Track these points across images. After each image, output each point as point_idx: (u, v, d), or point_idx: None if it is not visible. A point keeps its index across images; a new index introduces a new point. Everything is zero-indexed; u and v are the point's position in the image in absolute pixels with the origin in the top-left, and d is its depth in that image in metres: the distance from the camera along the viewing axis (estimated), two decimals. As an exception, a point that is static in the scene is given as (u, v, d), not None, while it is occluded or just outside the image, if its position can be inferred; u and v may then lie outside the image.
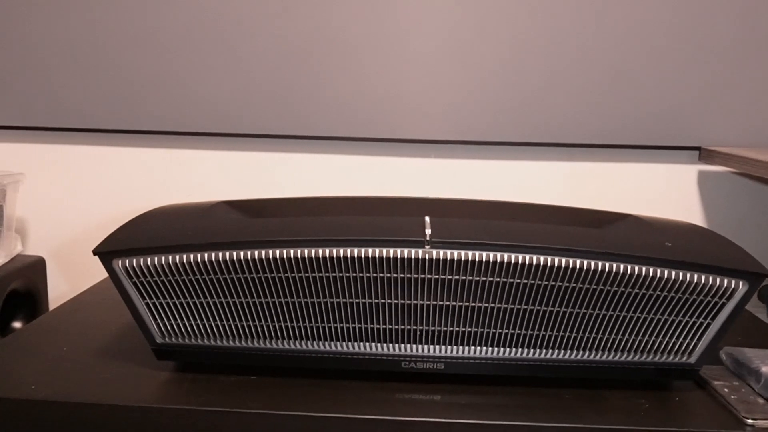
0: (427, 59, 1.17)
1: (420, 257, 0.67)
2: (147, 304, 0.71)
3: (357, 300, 0.69)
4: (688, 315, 0.68)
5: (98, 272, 1.16)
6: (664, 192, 1.23)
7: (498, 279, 0.68)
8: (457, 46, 1.16)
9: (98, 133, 1.25)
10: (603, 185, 1.23)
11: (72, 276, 1.30)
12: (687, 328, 0.69)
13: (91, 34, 1.19)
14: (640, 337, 0.70)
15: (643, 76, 1.16)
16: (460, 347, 0.71)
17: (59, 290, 1.30)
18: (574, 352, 0.71)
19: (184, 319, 0.72)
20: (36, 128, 1.24)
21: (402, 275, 0.68)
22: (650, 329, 0.69)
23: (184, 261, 0.68)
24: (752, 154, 1.07)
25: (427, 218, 0.71)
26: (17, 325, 1.19)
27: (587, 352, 0.71)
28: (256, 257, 0.68)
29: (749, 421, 0.65)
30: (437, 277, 0.68)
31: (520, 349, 0.71)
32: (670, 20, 1.14)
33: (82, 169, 1.27)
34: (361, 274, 0.68)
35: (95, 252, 0.70)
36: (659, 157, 1.22)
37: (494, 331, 0.70)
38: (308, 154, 1.24)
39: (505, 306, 0.69)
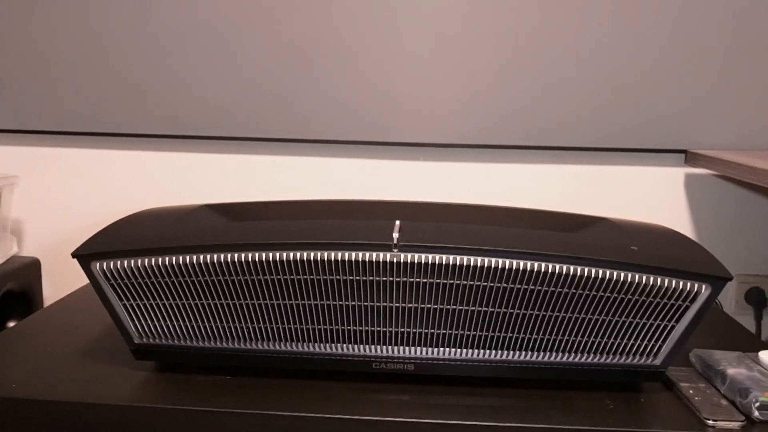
0: (421, 63, 1.18)
1: (388, 260, 0.68)
2: (125, 306, 0.73)
3: (328, 302, 0.71)
4: (653, 318, 0.70)
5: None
6: (652, 194, 1.24)
7: (466, 282, 0.69)
8: (451, 51, 1.17)
9: (94, 136, 1.27)
10: (592, 187, 1.24)
11: (66, 277, 1.33)
12: (651, 331, 0.70)
13: (86, 37, 1.21)
14: (605, 339, 0.71)
15: (633, 81, 1.17)
16: (431, 348, 0.73)
17: (54, 291, 1.33)
18: (541, 353, 0.72)
19: (162, 320, 0.73)
20: (31, 131, 1.27)
21: (372, 278, 0.69)
22: (615, 331, 0.71)
23: (160, 264, 0.70)
24: (735, 158, 1.07)
25: (397, 222, 0.73)
26: (12, 324, 1.21)
27: (554, 354, 0.72)
28: (230, 260, 0.69)
29: (710, 422, 0.67)
30: (406, 279, 0.69)
31: (488, 351, 0.72)
32: (658, 26, 1.15)
33: (77, 171, 1.29)
34: (331, 277, 0.70)
35: (74, 255, 0.72)
36: (647, 160, 1.23)
37: (463, 333, 0.72)
38: (302, 157, 1.25)
39: (474, 308, 0.70)
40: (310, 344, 0.73)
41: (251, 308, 0.72)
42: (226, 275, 0.70)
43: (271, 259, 0.69)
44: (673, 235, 0.80)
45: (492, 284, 0.69)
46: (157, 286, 0.71)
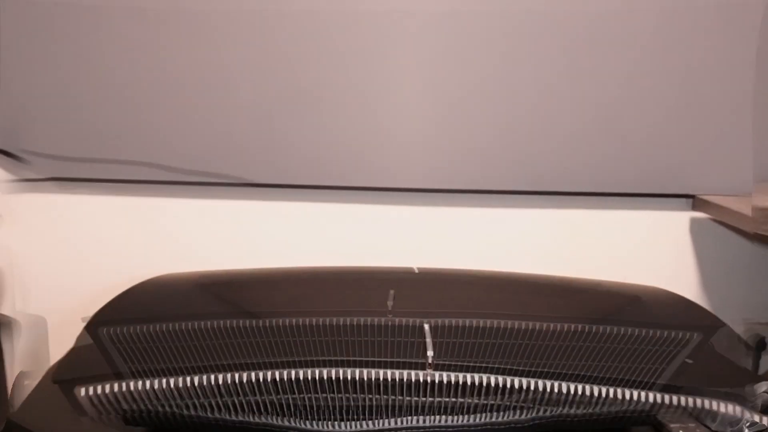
0: (412, 109, 1.18)
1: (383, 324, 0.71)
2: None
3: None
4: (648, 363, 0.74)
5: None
6: (656, 239, 1.24)
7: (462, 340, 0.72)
8: (444, 97, 1.17)
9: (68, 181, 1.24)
10: (595, 233, 1.24)
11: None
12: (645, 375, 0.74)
13: (82, 83, 1.18)
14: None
15: (637, 125, 1.17)
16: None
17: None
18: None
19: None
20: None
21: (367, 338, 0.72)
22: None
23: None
24: (738, 206, 1.06)
25: (391, 291, 0.76)
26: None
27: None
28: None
29: (700, 454, 0.69)
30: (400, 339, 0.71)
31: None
32: (663, 69, 1.14)
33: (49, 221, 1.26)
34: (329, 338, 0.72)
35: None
36: (654, 205, 1.23)
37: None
38: (287, 203, 1.25)
39: (472, 374, 0.72)
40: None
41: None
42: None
43: (268, 325, 0.72)
44: (664, 294, 0.87)
45: (488, 341, 0.72)
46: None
